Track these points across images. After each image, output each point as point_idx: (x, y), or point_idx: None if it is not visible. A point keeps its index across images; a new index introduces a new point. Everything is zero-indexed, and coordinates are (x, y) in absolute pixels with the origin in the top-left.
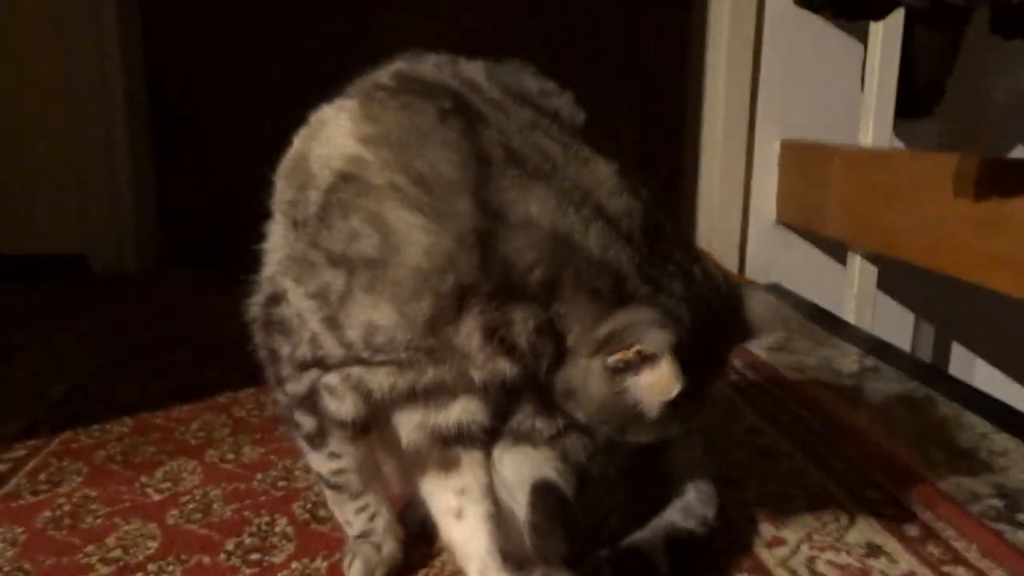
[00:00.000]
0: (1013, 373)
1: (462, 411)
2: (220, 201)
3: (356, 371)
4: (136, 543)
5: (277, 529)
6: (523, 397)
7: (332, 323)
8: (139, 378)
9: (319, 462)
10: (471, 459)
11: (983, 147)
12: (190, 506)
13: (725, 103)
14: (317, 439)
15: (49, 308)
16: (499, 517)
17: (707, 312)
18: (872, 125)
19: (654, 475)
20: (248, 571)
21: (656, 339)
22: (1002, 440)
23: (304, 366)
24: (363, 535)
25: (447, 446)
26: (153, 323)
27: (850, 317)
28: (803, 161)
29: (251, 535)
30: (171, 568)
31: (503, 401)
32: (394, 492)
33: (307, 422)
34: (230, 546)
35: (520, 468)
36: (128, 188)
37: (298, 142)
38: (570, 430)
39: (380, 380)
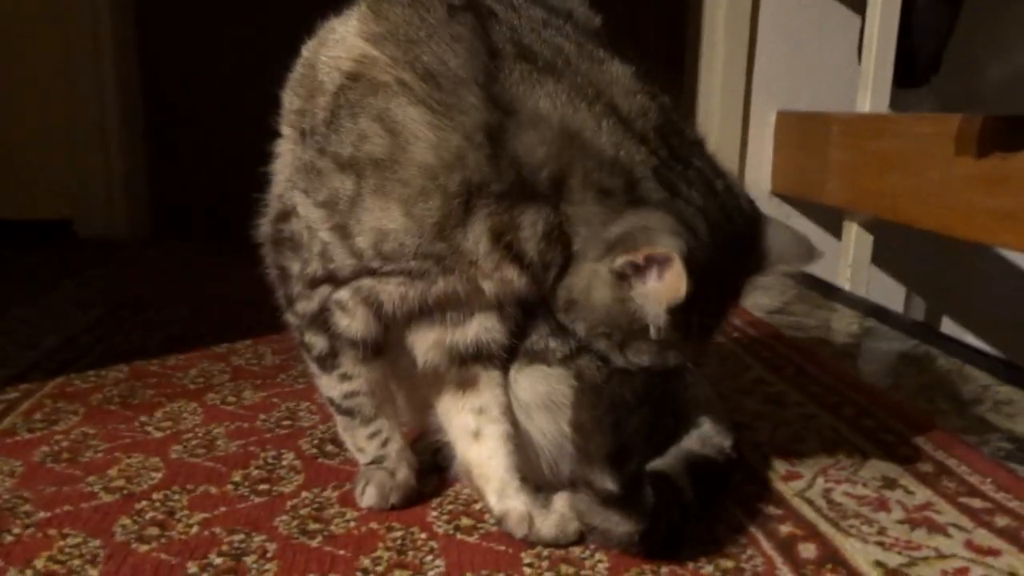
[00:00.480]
0: (1002, 347)
1: (480, 328)
2: (211, 172)
3: (366, 283)
4: (139, 474)
5: (284, 462)
6: (538, 316)
7: (342, 231)
8: (134, 331)
9: (330, 385)
10: (489, 378)
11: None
12: (193, 442)
13: (722, 75)
14: (328, 360)
15: (39, 270)
16: (516, 438)
17: (726, 230)
18: (870, 95)
19: (670, 407)
20: (257, 500)
21: (667, 243)
22: (1006, 391)
23: (314, 283)
24: (376, 461)
25: (465, 365)
26: (145, 283)
27: (845, 286)
28: (800, 131)
29: (258, 468)
30: (177, 497)
31: (520, 319)
32: (405, 427)
33: (318, 342)
34: (237, 477)
35: (535, 387)
36: (119, 153)
37: (306, 52)
38: (584, 351)
39: (390, 290)
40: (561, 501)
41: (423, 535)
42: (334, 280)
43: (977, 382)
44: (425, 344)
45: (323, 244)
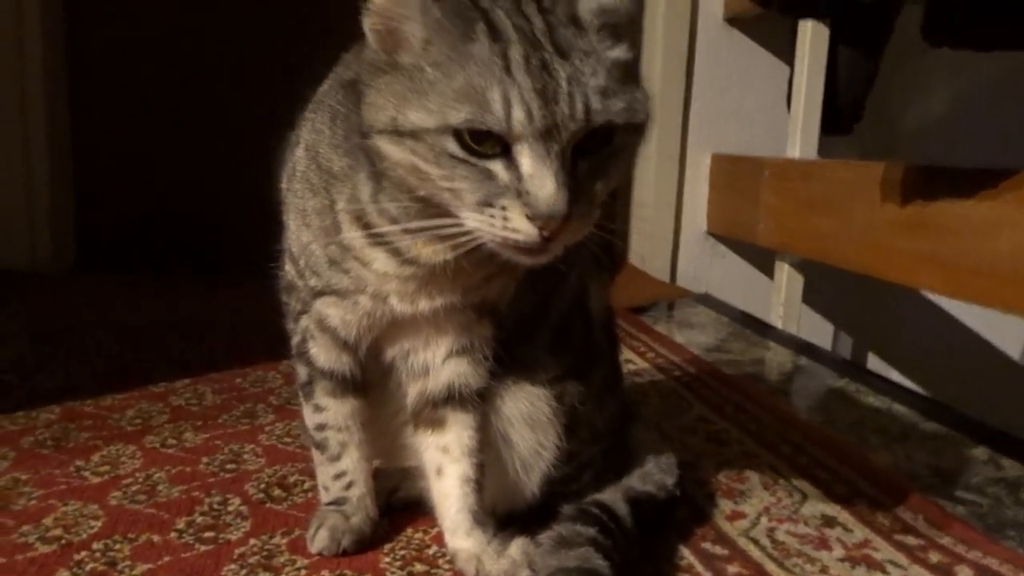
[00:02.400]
0: (922, 383)
1: (453, 373)
2: (140, 203)
3: (316, 306)
4: (77, 523)
5: (230, 508)
6: (536, 335)
7: (292, 258)
8: (63, 368)
9: (307, 415)
10: (456, 419)
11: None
12: (133, 488)
13: (659, 119)
14: (307, 388)
15: None
16: (483, 473)
17: None
18: (799, 141)
19: (622, 448)
20: (203, 548)
21: None
22: (931, 427)
23: (298, 316)
24: (335, 503)
25: (436, 407)
26: (71, 317)
27: (777, 324)
28: (733, 174)
29: (203, 514)
30: (118, 546)
31: (509, 339)
32: (376, 463)
33: (302, 372)
34: (181, 524)
35: (517, 403)
36: (44, 183)
37: None
38: (569, 376)
39: (331, 313)
40: (516, 547)
41: None
42: (307, 311)
43: (905, 419)
44: (413, 394)
45: (292, 278)
